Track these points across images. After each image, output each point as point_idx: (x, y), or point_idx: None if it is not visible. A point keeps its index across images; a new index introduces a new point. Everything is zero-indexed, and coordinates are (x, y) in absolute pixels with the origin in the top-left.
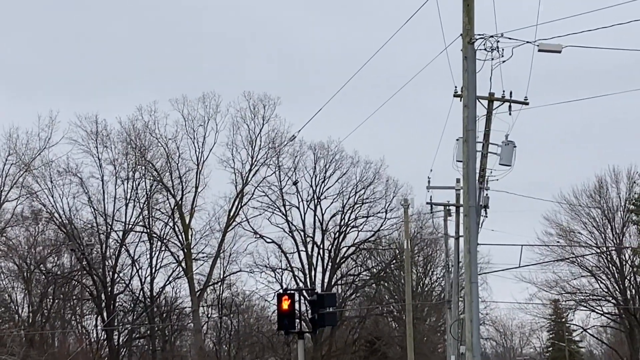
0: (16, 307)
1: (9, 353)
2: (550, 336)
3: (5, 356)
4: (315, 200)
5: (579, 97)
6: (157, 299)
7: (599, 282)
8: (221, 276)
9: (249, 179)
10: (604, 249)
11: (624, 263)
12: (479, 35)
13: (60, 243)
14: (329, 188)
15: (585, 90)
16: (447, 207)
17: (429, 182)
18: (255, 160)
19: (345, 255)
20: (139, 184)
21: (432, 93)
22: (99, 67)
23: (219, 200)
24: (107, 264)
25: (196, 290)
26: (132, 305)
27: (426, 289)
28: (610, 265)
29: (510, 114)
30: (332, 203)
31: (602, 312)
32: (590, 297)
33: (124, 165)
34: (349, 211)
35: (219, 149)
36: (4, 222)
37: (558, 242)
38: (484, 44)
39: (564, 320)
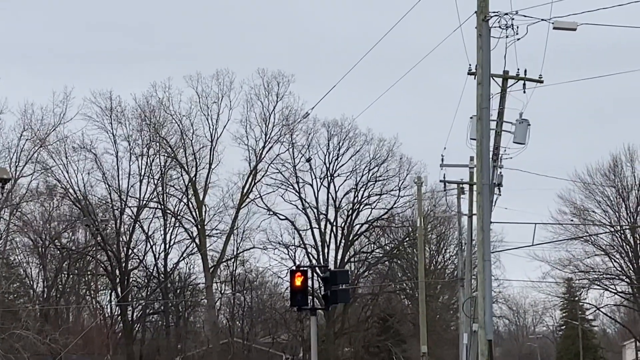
0: (31, 282)
1: (23, 328)
2: (563, 315)
3: (20, 330)
4: (329, 178)
5: (594, 76)
6: (171, 275)
7: (613, 260)
8: (234, 253)
9: (263, 156)
10: (618, 227)
11: (637, 242)
12: (494, 12)
13: (74, 218)
14: (342, 165)
15: (600, 68)
16: (461, 185)
17: (442, 160)
18: (268, 138)
19: (358, 232)
20: (153, 160)
21: (447, 71)
22: (113, 43)
23: (232, 177)
24: (121, 239)
25: (210, 266)
26: (146, 281)
27: (439, 266)
28: (624, 244)
29: (524, 92)
30: (345, 180)
31: (615, 291)
32: (604, 275)
33: (138, 141)
34: (362, 189)
35: (232, 125)
36: (19, 197)
37: (572, 220)
38: (499, 22)
39: (577, 298)
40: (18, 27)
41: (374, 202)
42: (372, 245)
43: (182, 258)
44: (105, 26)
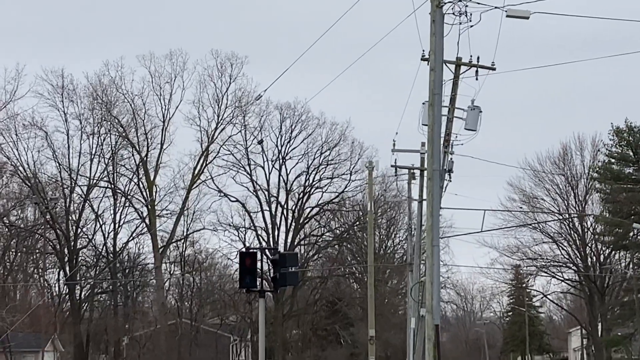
0: None
1: None
2: (511, 301)
3: None
4: (281, 160)
5: (546, 64)
6: (120, 254)
7: (560, 248)
8: (184, 233)
9: (215, 137)
10: (566, 215)
11: (585, 230)
12: None
13: (24, 196)
14: (294, 148)
15: (551, 57)
16: (412, 170)
17: (394, 145)
18: (221, 119)
19: (309, 215)
20: (104, 140)
21: (400, 57)
22: (66, 21)
23: (184, 158)
24: (70, 218)
25: (159, 246)
26: (95, 260)
27: (388, 251)
28: (572, 232)
29: (477, 79)
30: (297, 163)
31: (562, 279)
32: (551, 263)
33: (89, 120)
34: (314, 172)
35: (185, 106)
36: None
37: (521, 207)
38: (453, 8)
39: (524, 285)
40: None
41: (325, 185)
42: (323, 228)
43: (131, 238)
44: (59, 3)
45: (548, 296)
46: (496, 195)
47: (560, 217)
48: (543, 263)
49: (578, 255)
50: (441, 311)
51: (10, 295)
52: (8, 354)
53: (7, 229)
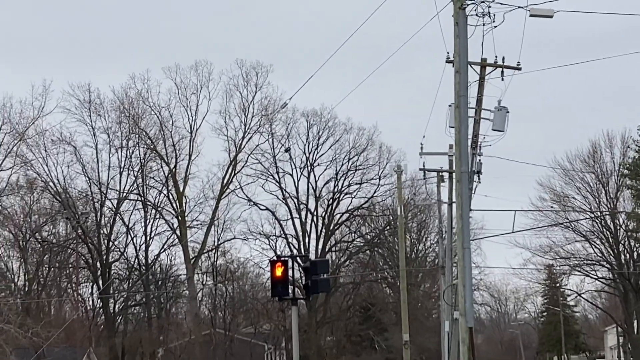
0: (12, 276)
1: (5, 321)
2: (545, 301)
3: (2, 324)
4: (309, 167)
5: (572, 62)
6: (152, 266)
7: (593, 246)
8: (215, 243)
9: (242, 147)
10: (598, 213)
11: (617, 227)
12: (470, 0)
13: (55, 212)
14: (322, 155)
15: (577, 55)
16: (440, 173)
17: (421, 148)
18: (248, 128)
19: (339, 222)
20: (132, 152)
21: (425, 60)
22: (91, 36)
23: (212, 168)
24: (102, 232)
25: (191, 257)
26: (128, 273)
27: (420, 254)
28: (604, 229)
29: (502, 79)
30: (325, 170)
31: (596, 277)
32: (585, 261)
33: (117, 133)
34: (343, 178)
35: (212, 116)
36: None
37: (552, 207)
38: (475, 10)
39: (558, 285)
40: None
41: (354, 191)
42: (353, 234)
43: (163, 249)
44: (83, 19)
45: (582, 295)
46: (527, 195)
47: (592, 215)
48: (576, 262)
49: (611, 253)
50: (475, 313)
51: (45, 311)
52: None
53: (39, 245)
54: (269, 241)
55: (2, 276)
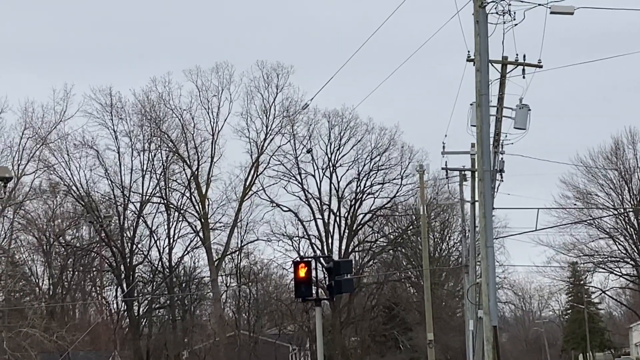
0: (37, 280)
1: (30, 326)
2: (569, 299)
3: (27, 329)
4: (331, 168)
5: (593, 59)
6: (176, 269)
7: (617, 243)
8: (239, 245)
9: (264, 148)
10: (622, 210)
11: None
12: None
13: (78, 215)
14: (344, 155)
15: (598, 52)
16: (463, 172)
17: (443, 147)
18: (269, 129)
19: (362, 222)
20: (155, 155)
21: (446, 59)
22: (113, 39)
23: (234, 170)
24: (125, 235)
25: (214, 259)
26: (151, 275)
27: (443, 254)
28: (628, 226)
29: (524, 77)
30: (347, 170)
31: (620, 274)
32: (609, 258)
33: (139, 136)
34: (365, 178)
35: (233, 118)
36: (22, 195)
37: (575, 204)
38: (496, 8)
39: (582, 282)
40: (17, 26)
41: (377, 191)
42: (376, 234)
43: (186, 252)
44: (103, 23)
45: (607, 292)
46: (549, 193)
47: (616, 212)
48: (600, 259)
49: (635, 250)
50: (499, 312)
51: (70, 314)
52: None
53: (63, 249)
54: (292, 242)
55: (27, 280)
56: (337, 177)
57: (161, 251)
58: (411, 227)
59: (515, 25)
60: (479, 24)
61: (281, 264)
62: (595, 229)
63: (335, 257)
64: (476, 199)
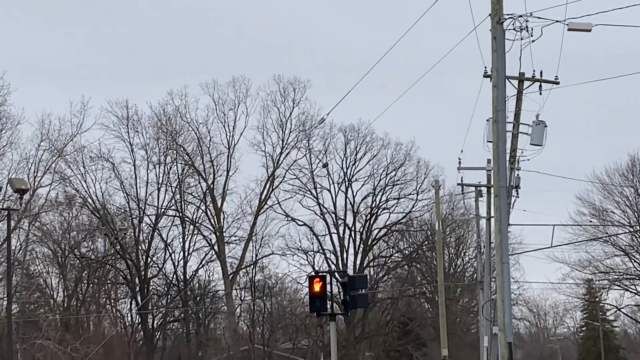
0: (51, 292)
1: (44, 337)
2: (584, 316)
3: (41, 340)
4: (346, 183)
5: (610, 76)
6: (191, 282)
7: (633, 261)
8: (253, 259)
9: (280, 162)
10: (638, 227)
11: None
12: (508, 15)
13: (93, 228)
14: (359, 170)
15: (616, 69)
16: (478, 188)
17: (459, 163)
18: (285, 144)
19: (377, 237)
20: (170, 168)
21: (463, 75)
22: (129, 52)
23: (250, 184)
24: (140, 248)
25: (229, 273)
26: (166, 289)
27: (458, 269)
28: None
29: (540, 93)
30: (363, 185)
31: (635, 291)
32: (624, 276)
33: (155, 149)
34: (380, 193)
35: (249, 132)
36: (37, 207)
37: (591, 221)
38: (513, 24)
39: (597, 299)
40: (34, 38)
41: (392, 206)
42: (391, 249)
43: (201, 265)
44: (120, 36)
45: (622, 310)
46: (565, 210)
47: (632, 230)
48: (616, 276)
49: None
50: (514, 328)
51: (84, 327)
52: None
53: (78, 261)
54: (307, 256)
55: (42, 292)
56: (352, 191)
57: (176, 264)
58: (426, 242)
59: (533, 41)
60: (496, 40)
61: (296, 278)
62: (611, 246)
63: (350, 272)
64: (492, 215)
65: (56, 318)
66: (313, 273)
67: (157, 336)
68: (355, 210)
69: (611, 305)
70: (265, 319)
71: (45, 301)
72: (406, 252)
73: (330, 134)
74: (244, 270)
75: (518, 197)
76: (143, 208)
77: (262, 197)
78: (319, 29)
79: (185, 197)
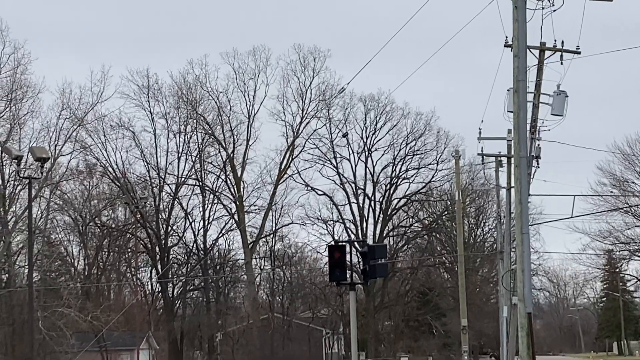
0: (72, 260)
1: (65, 305)
2: (604, 286)
3: (62, 308)
4: (366, 152)
5: (631, 46)
6: (211, 251)
7: None
8: (273, 228)
9: (300, 132)
10: None
11: None
12: None
13: (114, 196)
14: (379, 140)
15: (637, 39)
16: (499, 158)
17: (480, 133)
18: (305, 113)
19: (397, 207)
20: (190, 138)
21: (484, 45)
22: (150, 21)
23: (270, 153)
24: (160, 217)
25: (249, 242)
26: (186, 257)
27: (478, 240)
28: None
29: (561, 63)
30: (383, 155)
31: None
32: None
33: (175, 119)
34: (400, 163)
35: (269, 102)
36: (58, 176)
37: (611, 192)
38: None
39: (617, 270)
40: (55, 7)
41: (412, 176)
42: (411, 219)
43: (221, 234)
44: (141, 5)
45: None
46: (586, 180)
47: None
48: (636, 247)
49: None
50: (534, 299)
51: (104, 295)
52: (104, 352)
53: (99, 230)
54: (327, 226)
55: (62, 260)
56: (372, 161)
57: (196, 233)
58: (446, 212)
59: (554, 11)
60: (518, 10)
61: (315, 248)
62: (631, 217)
63: (370, 241)
64: (512, 185)
65: (77, 286)
66: (333, 242)
67: (177, 304)
68: (375, 180)
69: (631, 275)
70: (285, 288)
71: (66, 269)
72: (426, 222)
73: (350, 103)
74: (263, 239)
75: (538, 167)
76: (163, 177)
77: (282, 167)
78: None
79: (205, 167)
